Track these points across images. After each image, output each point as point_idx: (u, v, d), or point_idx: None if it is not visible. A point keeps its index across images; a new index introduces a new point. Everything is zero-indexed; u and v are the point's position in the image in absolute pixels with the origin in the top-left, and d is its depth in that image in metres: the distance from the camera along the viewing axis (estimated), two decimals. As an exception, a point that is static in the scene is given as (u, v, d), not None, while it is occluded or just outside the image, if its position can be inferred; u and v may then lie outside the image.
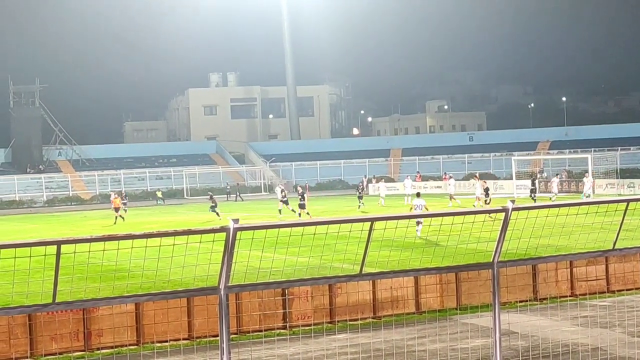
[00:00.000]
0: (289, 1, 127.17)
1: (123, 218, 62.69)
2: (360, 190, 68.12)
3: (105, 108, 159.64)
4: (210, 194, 69.77)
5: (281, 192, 61.16)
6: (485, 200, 53.37)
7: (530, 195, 65.33)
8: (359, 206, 64.93)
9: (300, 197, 57.65)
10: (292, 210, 57.77)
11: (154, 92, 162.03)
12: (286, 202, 59.15)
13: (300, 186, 67.44)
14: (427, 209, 36.60)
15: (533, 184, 68.38)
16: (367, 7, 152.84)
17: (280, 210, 58.91)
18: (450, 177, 79.55)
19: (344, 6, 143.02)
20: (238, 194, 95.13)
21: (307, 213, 55.94)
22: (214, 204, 63.30)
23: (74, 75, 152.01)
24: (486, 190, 53.74)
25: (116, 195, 67.79)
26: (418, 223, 33.83)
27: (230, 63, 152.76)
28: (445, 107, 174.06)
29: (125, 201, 67.42)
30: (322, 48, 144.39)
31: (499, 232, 10.89)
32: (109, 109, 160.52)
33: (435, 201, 62.45)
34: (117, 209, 63.34)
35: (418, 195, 39.64)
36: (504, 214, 10.78)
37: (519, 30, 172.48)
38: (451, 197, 65.92)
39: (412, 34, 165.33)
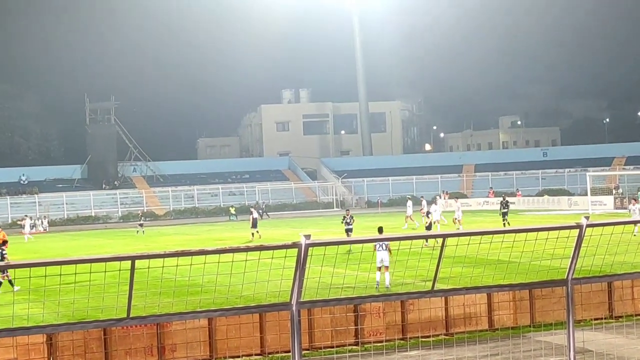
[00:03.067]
0: (360, 17, 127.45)
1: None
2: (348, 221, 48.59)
3: (179, 125, 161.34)
4: (141, 215, 77.92)
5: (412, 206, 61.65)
6: (426, 223, 50.48)
7: (503, 218, 58.15)
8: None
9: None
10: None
11: (227, 109, 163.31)
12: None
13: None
14: (390, 250, 27.93)
15: (506, 205, 59.65)
16: (439, 22, 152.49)
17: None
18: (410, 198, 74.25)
19: (416, 22, 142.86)
20: (264, 211, 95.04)
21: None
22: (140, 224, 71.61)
23: (148, 93, 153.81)
24: (427, 213, 51.39)
25: None
26: (384, 268, 28.35)
27: (302, 79, 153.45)
28: (519, 122, 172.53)
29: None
30: (394, 64, 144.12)
31: (573, 249, 10.76)
32: (182, 125, 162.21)
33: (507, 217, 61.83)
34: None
35: (380, 230, 30.79)
36: (578, 230, 10.66)
37: (593, 45, 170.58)
38: (408, 218, 64.43)
39: (485, 48, 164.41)
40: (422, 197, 69.00)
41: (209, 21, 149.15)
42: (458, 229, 53.32)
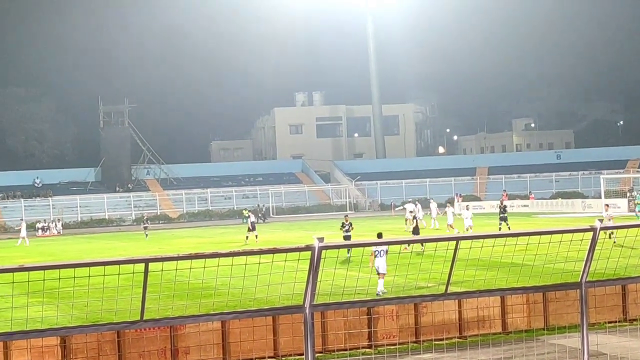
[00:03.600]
0: (374, 20, 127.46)
1: None
2: (347, 228, 44.07)
3: (193, 127, 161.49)
4: (146, 217, 79.91)
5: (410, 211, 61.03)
6: (413, 229, 49.09)
7: (500, 223, 56.44)
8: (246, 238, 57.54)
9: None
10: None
11: (240, 112, 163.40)
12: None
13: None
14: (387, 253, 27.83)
15: (504, 210, 58.39)
16: (452, 25, 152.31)
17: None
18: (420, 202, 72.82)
19: (430, 25, 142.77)
20: (260, 215, 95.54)
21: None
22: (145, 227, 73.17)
23: (161, 95, 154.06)
24: (414, 218, 50.06)
25: None
26: (380, 275, 27.60)
27: (315, 82, 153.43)
28: (532, 125, 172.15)
29: None
30: (407, 66, 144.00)
31: (586, 252, 10.74)
32: (196, 128, 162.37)
33: (521, 220, 61.74)
34: None
35: (379, 236, 30.04)
36: (592, 233, 10.64)
37: (607, 47, 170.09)
38: (409, 220, 63.89)
39: (498, 51, 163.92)
40: (416, 202, 68.58)
41: (222, 24, 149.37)
42: (456, 232, 53.26)
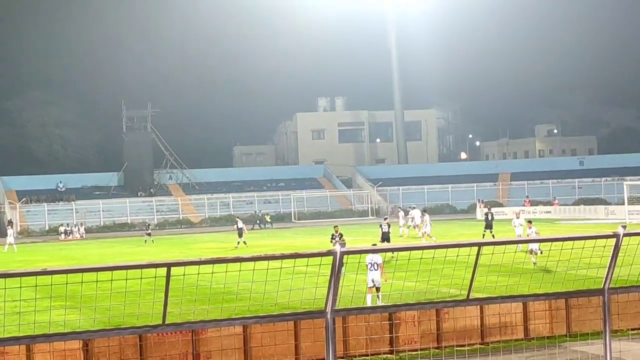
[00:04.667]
0: (396, 25, 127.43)
1: None
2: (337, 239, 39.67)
3: (215, 132, 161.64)
4: (148, 224, 79.66)
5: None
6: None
7: (485, 230, 53.66)
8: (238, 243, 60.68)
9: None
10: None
11: (263, 117, 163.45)
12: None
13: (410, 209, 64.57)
14: (382, 267, 26.64)
15: (491, 216, 55.57)
16: (475, 30, 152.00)
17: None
18: (414, 208, 69.79)
19: (452, 30, 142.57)
20: (257, 222, 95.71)
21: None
22: (148, 234, 72.29)
23: (184, 100, 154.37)
24: (380, 225, 48.94)
25: None
26: (377, 289, 26.66)
27: (338, 87, 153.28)
28: (555, 131, 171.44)
29: None
30: (429, 72, 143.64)
31: (609, 258, 10.69)
32: (218, 133, 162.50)
33: (544, 226, 61.41)
34: None
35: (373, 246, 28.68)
36: (615, 239, 10.59)
37: (631, 53, 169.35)
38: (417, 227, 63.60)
39: (521, 56, 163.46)
40: (400, 208, 68.51)
41: (245, 30, 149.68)
42: (433, 239, 53.01)
